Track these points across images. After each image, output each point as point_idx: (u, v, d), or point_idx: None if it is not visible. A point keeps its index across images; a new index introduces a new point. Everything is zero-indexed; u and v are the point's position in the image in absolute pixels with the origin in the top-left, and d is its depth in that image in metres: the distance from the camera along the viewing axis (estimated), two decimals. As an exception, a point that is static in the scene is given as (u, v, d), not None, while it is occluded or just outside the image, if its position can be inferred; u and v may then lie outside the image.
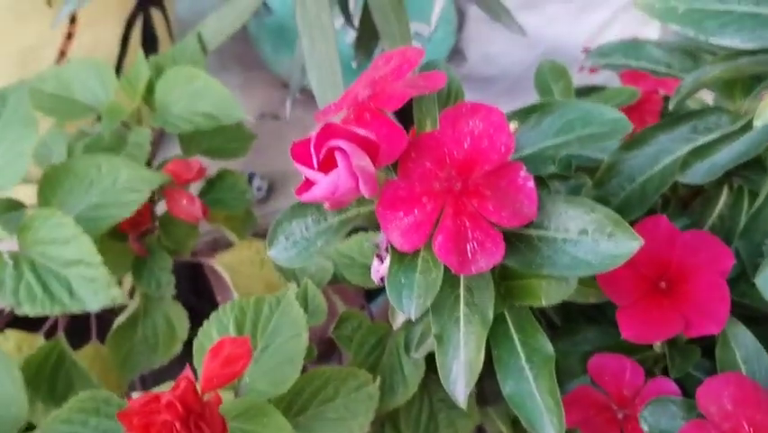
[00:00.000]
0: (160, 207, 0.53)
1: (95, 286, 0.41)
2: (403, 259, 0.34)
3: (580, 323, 0.45)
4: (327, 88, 0.47)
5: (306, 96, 0.82)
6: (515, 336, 0.38)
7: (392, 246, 0.33)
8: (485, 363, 0.53)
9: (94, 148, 0.50)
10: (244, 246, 0.54)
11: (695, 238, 0.39)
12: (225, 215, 0.57)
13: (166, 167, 0.50)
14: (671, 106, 0.45)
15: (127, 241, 0.50)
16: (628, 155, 0.46)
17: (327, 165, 0.31)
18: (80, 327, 0.54)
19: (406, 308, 0.33)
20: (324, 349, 0.53)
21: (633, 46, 0.50)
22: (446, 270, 0.34)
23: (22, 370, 0.44)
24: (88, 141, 0.50)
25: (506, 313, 0.38)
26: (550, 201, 0.34)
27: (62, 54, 0.60)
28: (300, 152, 0.31)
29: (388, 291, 0.33)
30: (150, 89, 0.52)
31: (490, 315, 0.36)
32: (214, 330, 0.40)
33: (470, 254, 0.32)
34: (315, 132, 0.31)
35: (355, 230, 0.52)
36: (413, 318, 0.33)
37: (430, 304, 0.33)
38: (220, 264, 0.52)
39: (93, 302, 0.41)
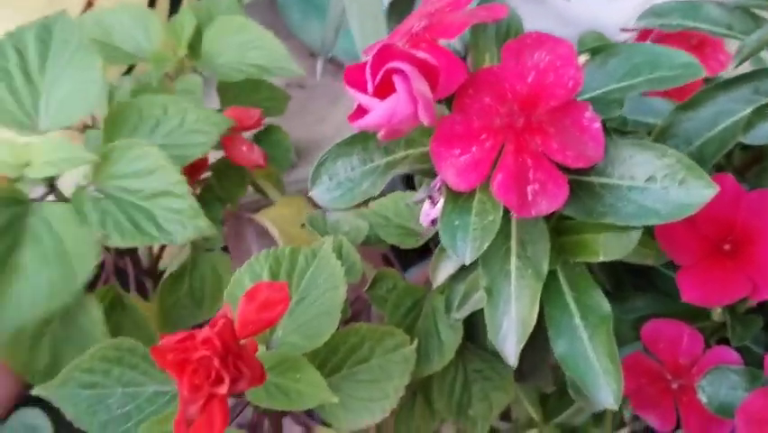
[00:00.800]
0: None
1: (181, 217, 0.38)
2: (458, 199, 0.31)
3: (631, 291, 0.42)
4: (369, 35, 0.45)
5: (335, 66, 0.80)
6: (567, 294, 0.35)
7: (446, 186, 0.31)
8: (527, 353, 0.50)
9: (141, 95, 0.47)
10: (284, 203, 0.52)
11: (762, 198, 0.37)
12: (262, 173, 0.55)
13: (225, 112, 0.48)
14: (731, 67, 0.42)
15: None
16: (684, 117, 0.43)
17: (383, 91, 0.29)
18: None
19: (460, 250, 0.31)
20: (351, 314, 0.50)
21: (691, 6, 0.47)
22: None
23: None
24: (135, 87, 0.48)
25: (558, 270, 0.36)
26: (613, 146, 0.32)
27: (89, 4, 0.58)
28: (354, 77, 0.29)
29: (441, 233, 0.31)
30: (194, 39, 0.51)
31: (545, 268, 0.33)
32: (247, 279, 0.38)
33: (530, 196, 0.30)
34: (372, 54, 0.29)
35: (391, 190, 0.49)
36: (467, 263, 0.31)
37: (485, 249, 0.31)
38: (265, 218, 0.50)
39: (181, 235, 0.38)
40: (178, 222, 0.38)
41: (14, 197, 0.39)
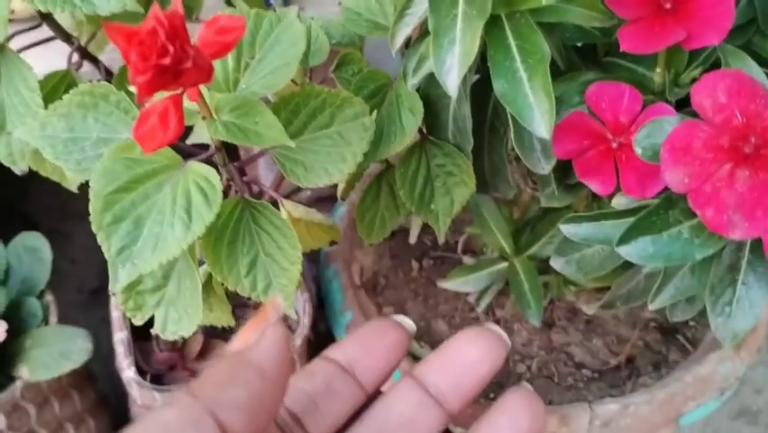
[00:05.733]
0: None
1: (105, -11, 0.41)
2: None
3: (582, 69, 0.44)
4: None
5: None
6: (511, 42, 0.37)
7: None
8: (486, 153, 0.52)
9: None
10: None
11: (705, -41, 0.38)
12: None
13: None
14: None
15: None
16: None
17: None
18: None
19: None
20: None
21: None
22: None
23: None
24: None
25: (504, 21, 0.38)
26: None
27: None
28: None
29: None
30: None
31: (489, 6, 0.35)
32: (212, 33, 0.40)
33: None
34: None
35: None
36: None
37: None
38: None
39: (105, 6, 0.41)
40: None
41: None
